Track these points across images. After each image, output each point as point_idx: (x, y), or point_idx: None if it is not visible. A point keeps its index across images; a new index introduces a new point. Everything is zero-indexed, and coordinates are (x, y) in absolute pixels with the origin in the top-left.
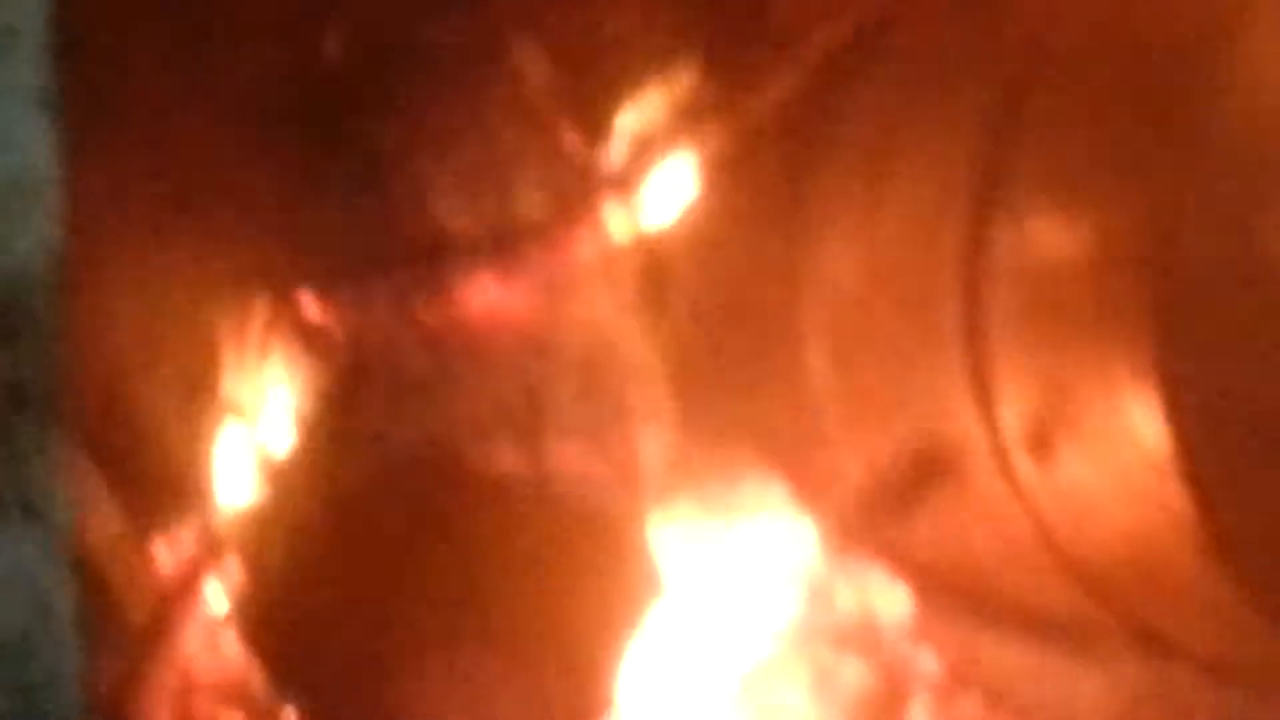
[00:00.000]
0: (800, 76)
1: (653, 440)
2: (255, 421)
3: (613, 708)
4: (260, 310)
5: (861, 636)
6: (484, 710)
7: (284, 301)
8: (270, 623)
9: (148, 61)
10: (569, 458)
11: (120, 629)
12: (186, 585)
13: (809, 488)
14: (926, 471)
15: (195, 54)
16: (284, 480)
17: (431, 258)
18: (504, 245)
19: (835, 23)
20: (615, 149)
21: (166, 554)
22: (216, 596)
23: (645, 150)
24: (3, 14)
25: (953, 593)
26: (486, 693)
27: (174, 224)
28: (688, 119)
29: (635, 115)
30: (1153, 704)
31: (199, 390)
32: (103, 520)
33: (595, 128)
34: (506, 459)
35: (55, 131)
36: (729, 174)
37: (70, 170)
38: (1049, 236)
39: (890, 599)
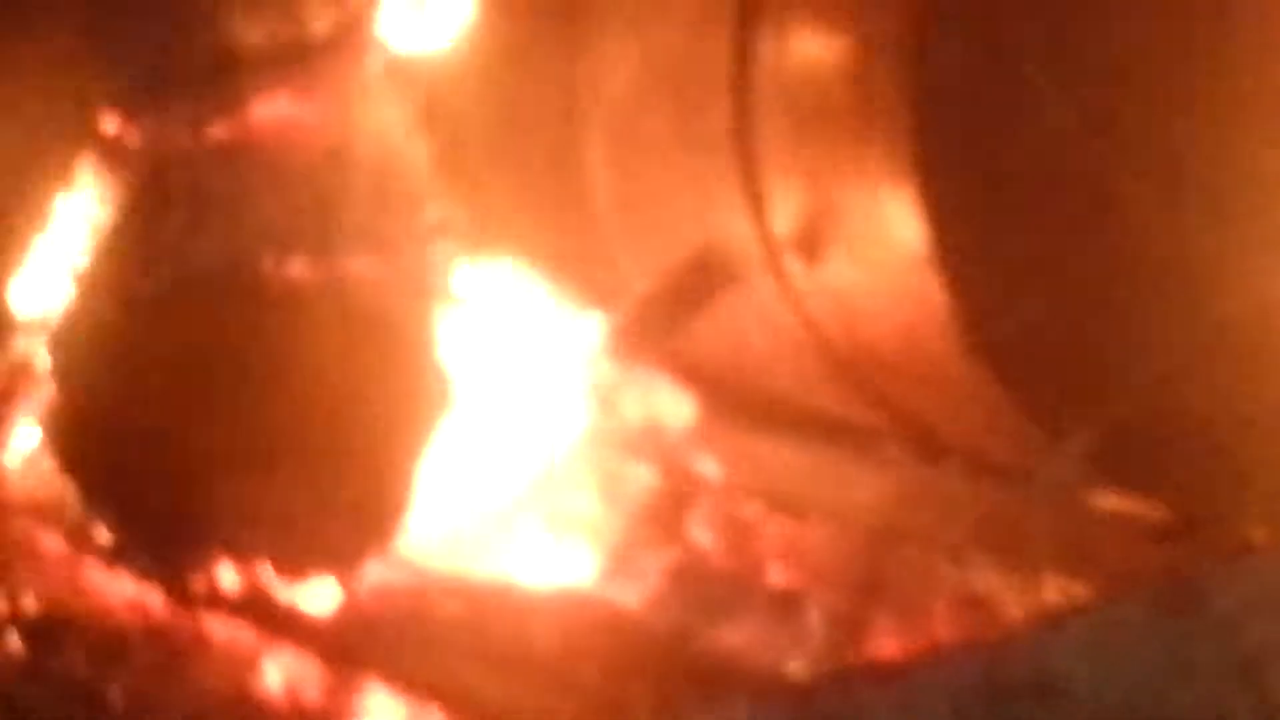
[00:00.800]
0: None
1: (442, 251)
2: (60, 241)
3: (408, 512)
4: (62, 130)
5: (647, 443)
6: (285, 520)
7: (85, 121)
8: (80, 442)
9: None
10: (360, 268)
11: None
12: None
13: (593, 297)
14: (704, 278)
15: None
16: (88, 296)
17: (224, 75)
18: (293, 61)
19: None
20: None
21: None
22: (30, 419)
23: None
24: None
25: (733, 398)
26: (287, 502)
27: None
28: None
29: None
30: (921, 501)
31: (4, 215)
32: None
33: None
34: (300, 269)
35: None
36: None
37: None
38: (811, 44)
39: (674, 406)
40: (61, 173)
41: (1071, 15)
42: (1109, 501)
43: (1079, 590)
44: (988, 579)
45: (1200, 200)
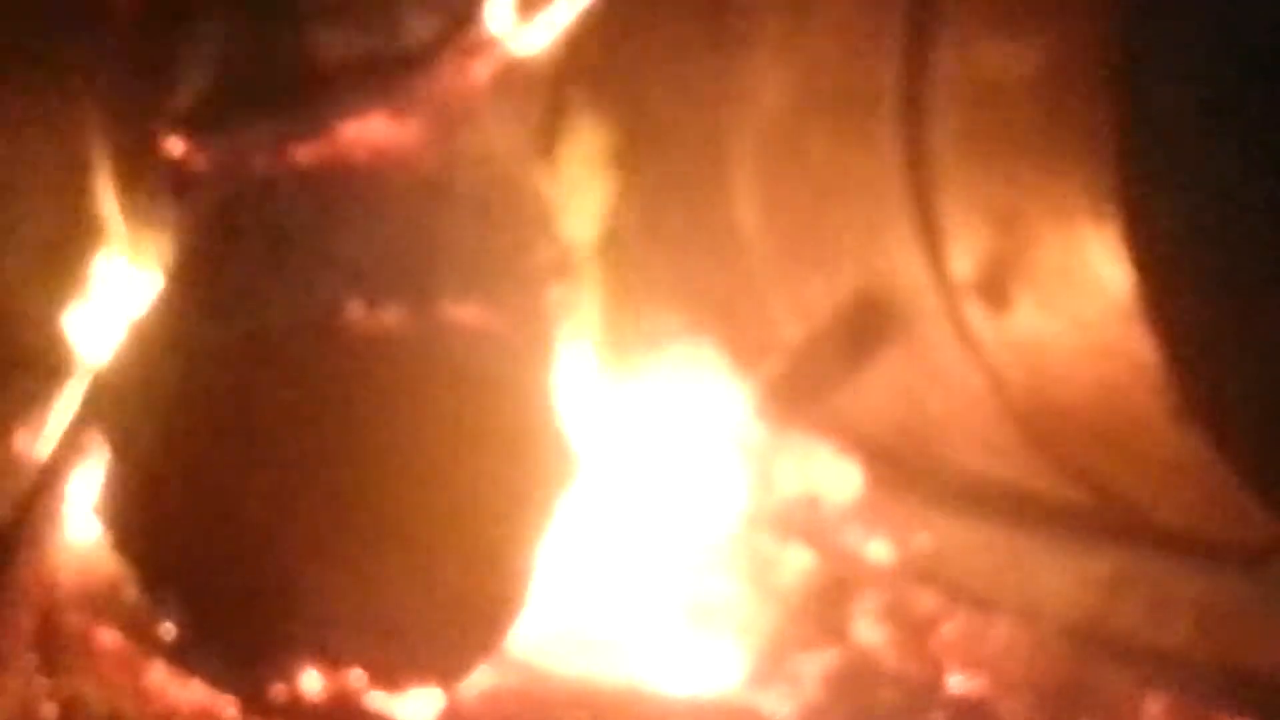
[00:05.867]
0: None
1: (562, 295)
2: (121, 287)
3: (526, 606)
4: (124, 159)
5: (805, 521)
6: (382, 615)
7: (150, 147)
8: (139, 523)
9: None
10: (468, 316)
11: None
12: (50, 481)
13: (742, 351)
14: (870, 327)
15: None
16: (148, 349)
17: (311, 93)
18: (390, 75)
19: None
20: None
21: (30, 444)
22: (82, 495)
23: None
24: None
25: (903, 468)
26: (384, 594)
27: (28, 68)
28: None
29: None
30: (1131, 591)
31: (61, 261)
32: None
33: None
34: (395, 317)
35: None
36: None
37: None
38: (996, 54)
39: (836, 477)
40: (118, 204)
41: None
42: None
43: None
44: (1209, 686)
45: None
